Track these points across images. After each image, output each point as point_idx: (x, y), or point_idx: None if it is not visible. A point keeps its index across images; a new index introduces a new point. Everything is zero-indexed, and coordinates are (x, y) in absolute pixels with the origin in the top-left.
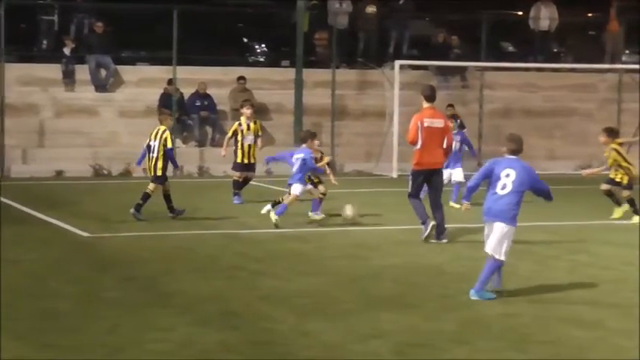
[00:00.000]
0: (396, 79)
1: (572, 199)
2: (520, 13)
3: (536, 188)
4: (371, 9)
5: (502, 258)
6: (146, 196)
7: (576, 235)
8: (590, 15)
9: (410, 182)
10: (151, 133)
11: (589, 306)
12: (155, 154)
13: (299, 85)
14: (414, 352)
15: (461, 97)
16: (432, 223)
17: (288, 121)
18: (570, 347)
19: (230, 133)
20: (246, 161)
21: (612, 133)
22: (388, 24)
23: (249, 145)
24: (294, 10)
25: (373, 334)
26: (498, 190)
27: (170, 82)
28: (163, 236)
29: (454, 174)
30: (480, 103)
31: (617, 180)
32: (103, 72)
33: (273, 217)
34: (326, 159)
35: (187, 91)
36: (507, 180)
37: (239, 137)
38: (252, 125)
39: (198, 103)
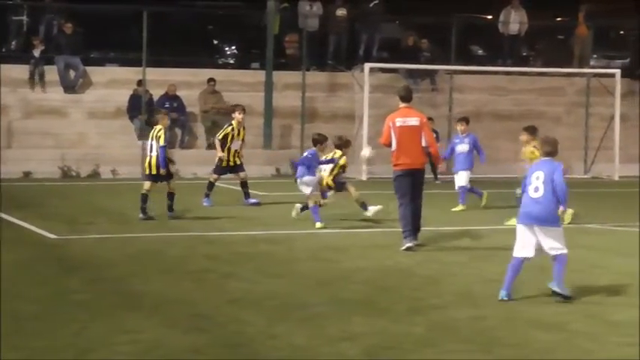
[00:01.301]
0: (365, 81)
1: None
2: (490, 17)
3: (557, 189)
4: (341, 11)
5: (565, 250)
6: (171, 196)
7: None
8: (559, 19)
9: (395, 187)
10: (150, 134)
11: (555, 308)
12: (155, 153)
13: (269, 87)
14: (383, 355)
15: (430, 100)
16: (410, 245)
17: (257, 123)
18: (536, 349)
19: (221, 136)
20: (231, 164)
21: (534, 132)
22: (358, 26)
23: (236, 151)
24: (265, 12)
25: (342, 337)
26: (532, 193)
27: (139, 83)
28: (132, 238)
29: (457, 177)
30: (449, 106)
31: None
32: (72, 73)
33: (318, 224)
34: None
35: (157, 93)
36: (538, 182)
37: (228, 141)
38: (241, 131)
39: (167, 105)
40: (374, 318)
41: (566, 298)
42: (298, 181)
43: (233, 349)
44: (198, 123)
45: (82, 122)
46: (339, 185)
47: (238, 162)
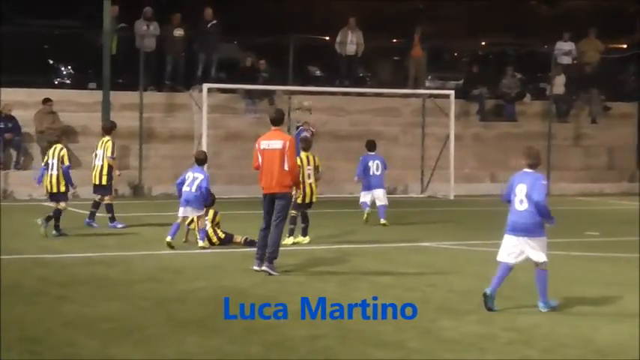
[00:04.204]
0: (204, 101)
1: (378, 220)
2: (327, 37)
3: (534, 199)
4: (178, 32)
5: (545, 264)
6: (58, 212)
7: (381, 257)
8: (394, 41)
9: None
10: (48, 152)
11: (392, 327)
12: (55, 172)
13: (106, 107)
14: None
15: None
16: (256, 268)
17: (94, 143)
18: None
19: (116, 154)
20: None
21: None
22: (196, 47)
23: None
24: (101, 31)
25: (178, 358)
26: (517, 206)
27: None
28: None
29: (376, 196)
30: (287, 126)
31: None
32: None
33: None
34: None
35: None
36: (522, 195)
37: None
38: None
39: (2, 125)
40: (209, 338)
41: (554, 309)
42: (191, 209)
43: None
44: (34, 144)
45: None
46: (228, 237)
47: None
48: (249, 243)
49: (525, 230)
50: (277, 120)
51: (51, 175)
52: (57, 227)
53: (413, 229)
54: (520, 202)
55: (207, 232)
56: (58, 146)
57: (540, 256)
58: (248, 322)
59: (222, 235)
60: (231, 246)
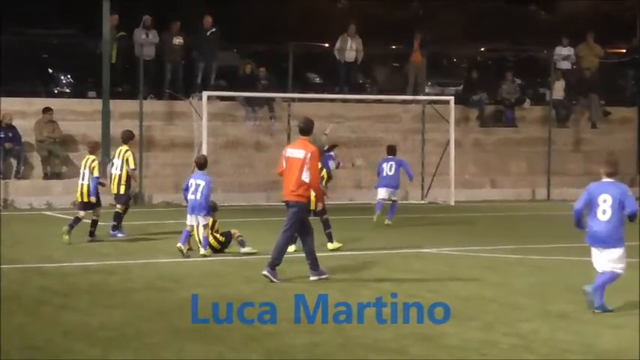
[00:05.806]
0: (204, 109)
1: (379, 227)
2: (326, 44)
3: (628, 212)
4: (177, 40)
5: (621, 271)
6: (94, 223)
7: (382, 263)
8: (394, 47)
9: None
10: (82, 162)
11: (393, 333)
12: (87, 182)
13: (106, 116)
14: None
15: (269, 128)
16: (263, 272)
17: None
18: None
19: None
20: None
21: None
22: (195, 55)
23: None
24: (101, 40)
25: None
26: (600, 217)
27: None
28: None
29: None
30: (287, 133)
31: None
32: None
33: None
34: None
35: None
36: (606, 205)
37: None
38: None
39: (2, 135)
40: (210, 345)
41: (592, 307)
42: (197, 217)
43: None
44: (34, 153)
45: None
46: (228, 238)
47: None
48: (240, 242)
49: (604, 242)
50: (304, 130)
51: (82, 185)
52: (91, 233)
53: (414, 235)
54: (603, 213)
55: (208, 240)
56: (91, 157)
57: (617, 265)
58: (249, 329)
59: (222, 239)
60: (232, 254)
